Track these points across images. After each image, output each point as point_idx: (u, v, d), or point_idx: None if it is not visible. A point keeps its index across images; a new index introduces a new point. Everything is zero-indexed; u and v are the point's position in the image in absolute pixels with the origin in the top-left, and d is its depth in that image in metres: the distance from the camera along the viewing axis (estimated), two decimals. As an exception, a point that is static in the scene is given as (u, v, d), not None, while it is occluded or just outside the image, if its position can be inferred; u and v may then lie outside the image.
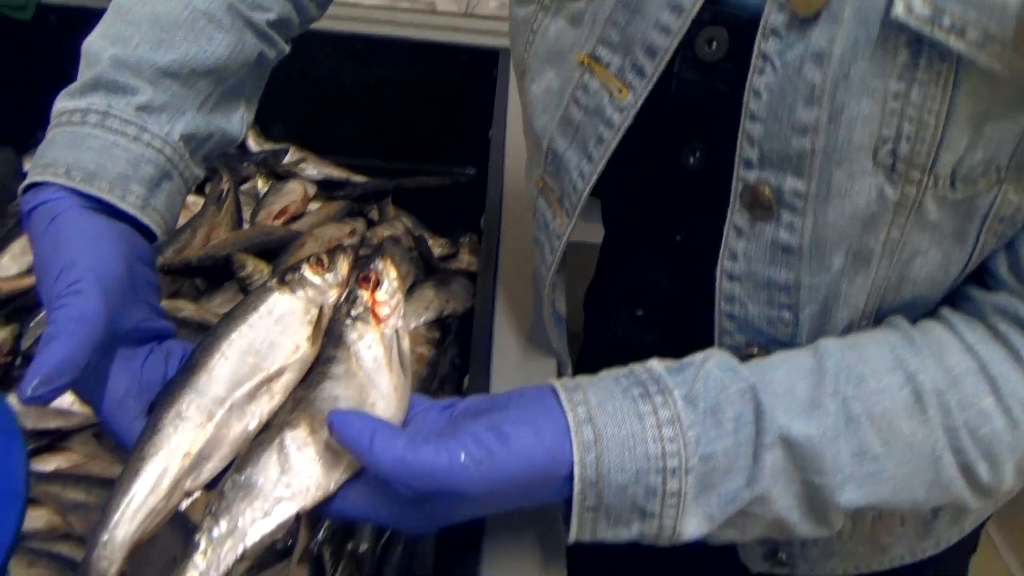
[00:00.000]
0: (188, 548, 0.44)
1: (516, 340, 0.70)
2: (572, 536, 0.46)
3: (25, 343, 0.76)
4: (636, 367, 0.49)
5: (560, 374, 0.68)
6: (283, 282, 0.52)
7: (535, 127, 0.58)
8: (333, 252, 0.53)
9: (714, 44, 0.49)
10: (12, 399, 0.66)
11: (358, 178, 1.12)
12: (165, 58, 0.55)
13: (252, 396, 0.48)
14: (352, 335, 0.49)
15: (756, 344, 0.54)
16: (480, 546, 0.54)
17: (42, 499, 0.66)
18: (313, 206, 1.02)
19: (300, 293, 0.51)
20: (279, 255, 0.86)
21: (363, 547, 0.65)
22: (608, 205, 0.61)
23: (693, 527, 0.46)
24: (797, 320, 0.52)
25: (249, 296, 0.52)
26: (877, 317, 0.52)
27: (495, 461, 0.43)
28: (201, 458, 0.46)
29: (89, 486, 0.66)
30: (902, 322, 0.51)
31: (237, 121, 0.62)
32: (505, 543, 0.55)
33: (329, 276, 0.52)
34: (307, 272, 0.52)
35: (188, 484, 0.46)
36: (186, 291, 0.85)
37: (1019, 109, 0.42)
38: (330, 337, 0.50)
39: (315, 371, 0.49)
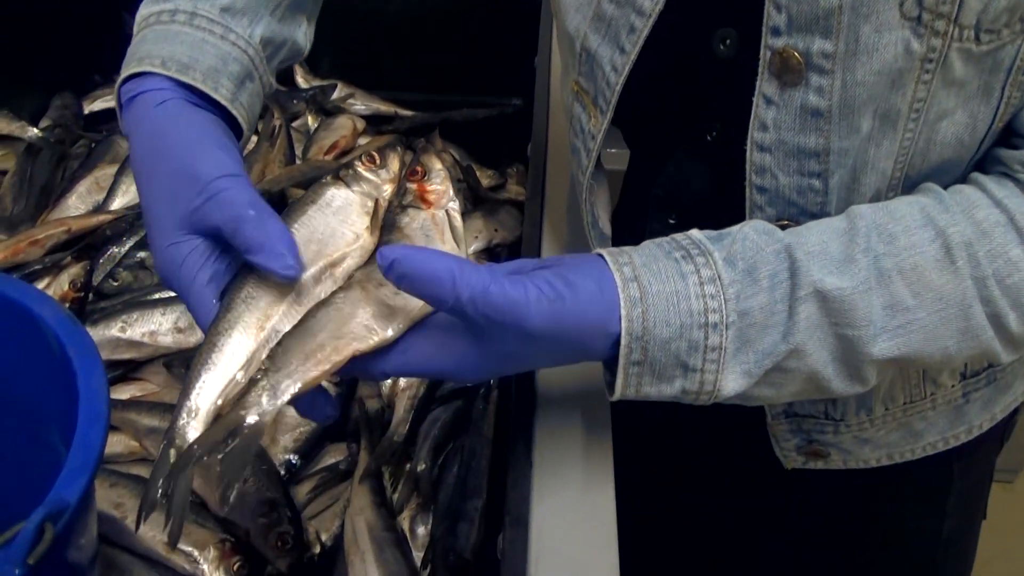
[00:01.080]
0: (247, 386, 0.46)
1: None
2: (617, 392, 0.48)
3: (97, 278, 0.79)
4: (677, 235, 0.50)
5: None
6: (338, 177, 0.54)
7: (569, 29, 0.59)
8: (384, 149, 0.55)
9: None
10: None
11: (405, 112, 1.12)
12: None
13: (317, 279, 0.50)
14: (404, 219, 0.51)
15: (786, 217, 0.55)
16: (532, 460, 0.56)
17: (120, 425, 0.70)
18: (362, 141, 1.04)
19: (356, 187, 0.53)
20: (331, 189, 0.88)
21: (421, 467, 0.68)
22: (633, 115, 0.61)
23: (733, 382, 0.48)
24: (827, 188, 0.52)
25: (307, 192, 0.54)
26: (906, 185, 0.52)
27: (565, 302, 0.45)
28: (274, 331, 0.48)
29: (163, 413, 0.70)
30: (932, 186, 0.52)
31: (302, 34, 0.64)
32: (555, 457, 0.57)
33: (382, 172, 0.54)
34: (360, 168, 0.54)
35: (263, 355, 0.48)
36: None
37: None
38: (386, 226, 0.52)
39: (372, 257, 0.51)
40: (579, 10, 0.58)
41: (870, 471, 0.67)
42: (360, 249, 0.52)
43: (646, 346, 0.47)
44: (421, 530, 0.66)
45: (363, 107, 1.13)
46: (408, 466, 0.69)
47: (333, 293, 0.49)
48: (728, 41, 0.53)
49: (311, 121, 1.07)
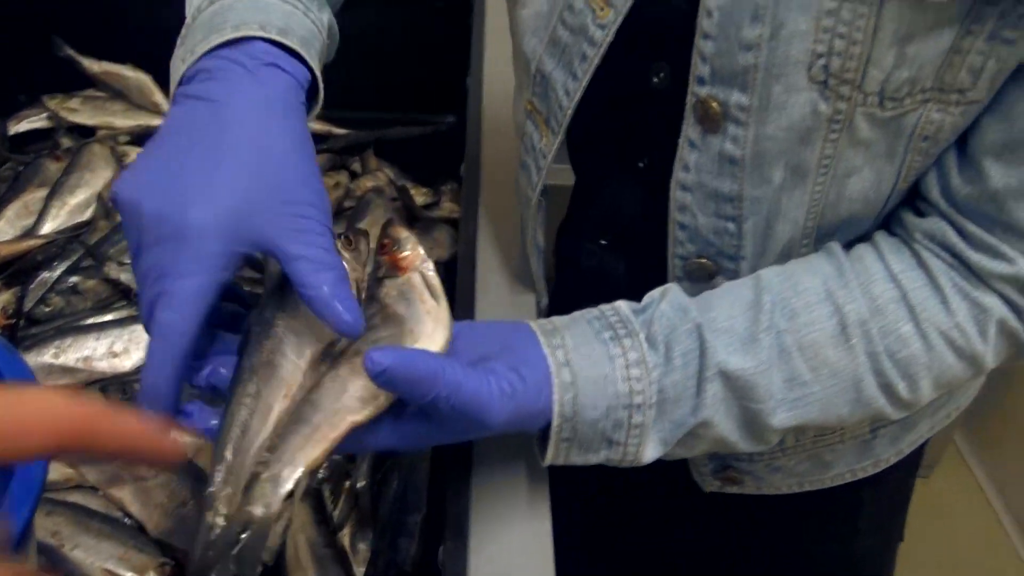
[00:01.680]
0: (250, 479, 0.46)
1: (499, 283, 0.74)
2: (547, 461, 0.52)
3: (28, 304, 0.79)
4: (606, 308, 0.54)
5: (538, 307, 0.72)
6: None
7: (525, 51, 0.61)
8: (355, 232, 0.56)
9: None
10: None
11: (339, 131, 1.13)
12: None
13: (317, 365, 0.50)
14: (382, 291, 0.53)
15: (705, 256, 0.58)
16: (470, 474, 0.58)
17: (55, 451, 0.69)
18: (297, 160, 1.04)
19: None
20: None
21: (361, 483, 0.69)
22: (577, 139, 0.64)
23: (651, 450, 0.52)
24: (741, 232, 0.55)
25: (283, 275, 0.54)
26: (818, 235, 0.56)
27: (518, 398, 0.49)
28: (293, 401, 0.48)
29: (99, 437, 0.69)
30: (837, 250, 0.55)
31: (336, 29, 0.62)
32: (493, 470, 0.59)
33: (356, 254, 0.55)
34: (340, 248, 0.54)
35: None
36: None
37: (939, 32, 0.45)
38: (366, 300, 0.53)
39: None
40: (535, 33, 0.60)
41: (783, 495, 0.71)
42: None
43: (575, 426, 0.51)
44: (362, 546, 0.67)
45: (297, 126, 1.13)
46: (348, 483, 0.70)
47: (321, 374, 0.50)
48: (663, 75, 0.56)
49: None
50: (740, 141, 0.52)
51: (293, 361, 0.50)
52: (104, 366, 0.75)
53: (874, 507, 0.74)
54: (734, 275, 0.59)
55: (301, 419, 0.47)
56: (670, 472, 0.58)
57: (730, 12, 0.48)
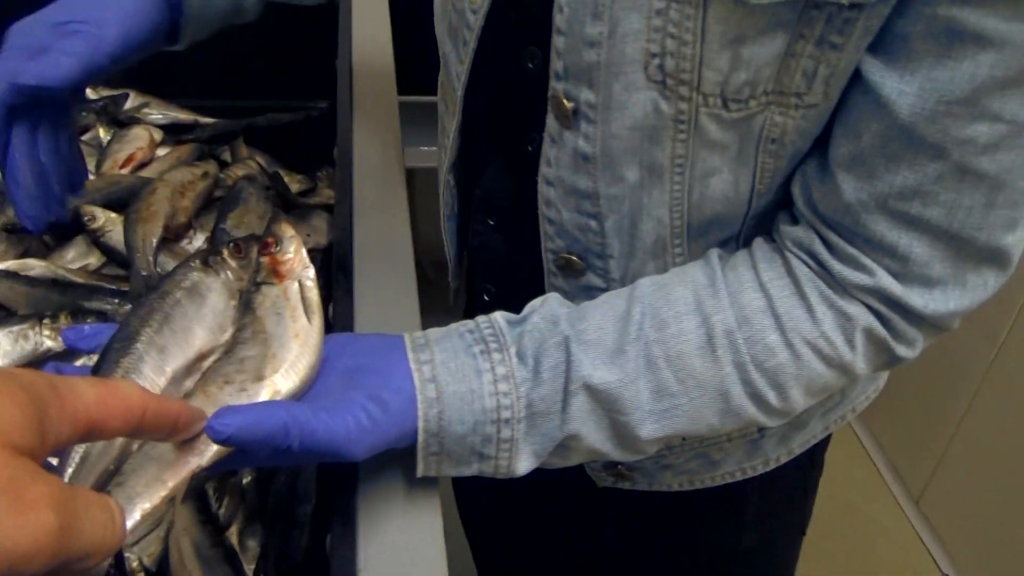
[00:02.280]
0: None
1: (378, 268, 0.73)
2: (420, 473, 0.53)
3: None
4: (482, 321, 0.54)
5: (450, 290, 0.72)
6: (206, 264, 0.54)
7: (437, 34, 0.62)
8: (247, 240, 0.56)
9: None
10: None
11: (207, 120, 1.09)
12: None
13: (188, 371, 0.50)
14: (257, 299, 0.52)
15: (572, 252, 0.59)
16: (357, 468, 0.57)
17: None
18: (162, 151, 1.00)
19: (223, 276, 0.54)
20: (130, 204, 0.85)
21: (246, 479, 0.67)
22: (470, 120, 0.64)
23: (524, 462, 0.53)
24: (603, 230, 0.56)
25: (175, 273, 0.54)
26: (689, 235, 0.56)
27: (379, 427, 0.49)
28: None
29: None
30: (714, 258, 0.56)
31: None
32: (380, 456, 0.58)
33: (245, 262, 0.55)
34: (227, 257, 0.55)
35: (134, 448, 0.47)
36: (35, 249, 0.82)
37: (772, 36, 0.46)
38: (243, 307, 0.52)
39: (231, 341, 0.52)
40: (441, 18, 0.61)
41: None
42: (227, 344, 0.52)
43: (442, 441, 0.51)
44: (251, 542, 0.65)
45: (160, 116, 1.08)
46: (232, 479, 0.68)
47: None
48: (536, 61, 0.56)
49: (103, 134, 1.02)
50: (591, 138, 0.53)
51: (151, 380, 0.48)
52: None
53: (760, 499, 0.74)
54: (604, 273, 0.59)
55: (143, 457, 0.45)
56: (564, 468, 0.58)
57: (576, 8, 0.49)
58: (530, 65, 0.56)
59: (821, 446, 0.75)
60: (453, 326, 0.54)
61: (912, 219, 0.49)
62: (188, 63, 1.17)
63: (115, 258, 0.82)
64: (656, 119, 0.50)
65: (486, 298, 0.72)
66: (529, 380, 0.52)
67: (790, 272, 0.53)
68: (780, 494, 0.76)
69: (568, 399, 0.52)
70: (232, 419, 0.43)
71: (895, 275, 0.51)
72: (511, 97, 0.60)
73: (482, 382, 0.51)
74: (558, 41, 0.51)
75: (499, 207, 0.68)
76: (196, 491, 0.66)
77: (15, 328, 0.72)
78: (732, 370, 0.52)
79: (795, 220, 0.55)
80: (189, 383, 0.50)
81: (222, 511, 0.66)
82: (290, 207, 0.91)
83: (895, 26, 0.45)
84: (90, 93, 1.11)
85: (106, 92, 1.11)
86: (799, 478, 0.77)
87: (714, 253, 0.56)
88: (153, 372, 0.48)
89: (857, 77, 0.48)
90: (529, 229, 0.62)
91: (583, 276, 0.61)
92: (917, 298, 0.50)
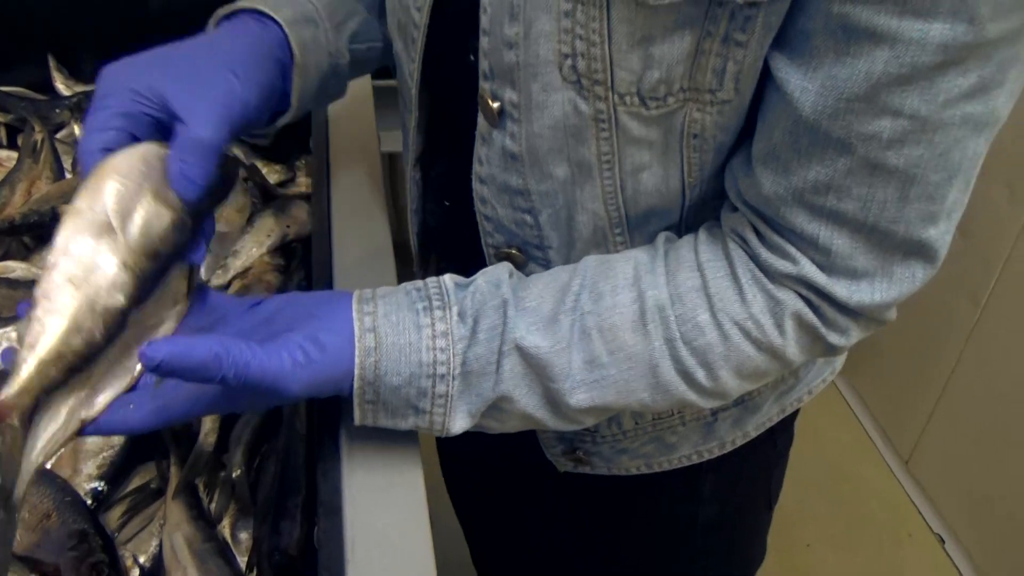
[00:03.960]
0: None
1: (356, 255, 0.73)
2: (356, 421, 0.54)
3: None
4: (430, 281, 0.55)
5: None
6: None
7: (389, 31, 0.62)
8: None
9: None
10: None
11: (182, 111, 1.08)
12: None
13: (139, 339, 0.50)
14: None
15: (512, 246, 0.60)
16: (339, 451, 0.58)
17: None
18: (138, 146, 0.99)
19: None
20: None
21: (236, 472, 0.68)
22: (426, 107, 0.64)
23: (460, 421, 0.54)
24: (538, 223, 0.57)
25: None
26: (630, 225, 0.56)
27: (316, 365, 0.50)
28: (95, 390, 0.49)
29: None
30: (660, 239, 0.56)
31: (376, 25, 0.69)
32: (365, 445, 0.59)
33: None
34: None
35: (83, 414, 0.48)
36: (15, 251, 0.82)
37: (680, 35, 0.46)
38: None
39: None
40: (391, 16, 0.61)
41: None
42: (176, 315, 0.52)
43: (378, 390, 0.52)
44: (243, 535, 0.66)
45: (135, 110, 1.07)
46: (223, 474, 0.68)
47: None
48: (474, 54, 0.56)
49: (78, 130, 1.01)
50: (517, 137, 0.53)
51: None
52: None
53: (716, 473, 0.75)
54: (546, 263, 0.60)
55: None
56: (526, 453, 0.59)
57: (496, 9, 0.49)
58: (472, 57, 0.56)
59: (781, 427, 0.76)
60: (404, 284, 0.55)
61: (828, 212, 0.49)
62: (164, 33, 1.17)
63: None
64: (576, 118, 0.51)
65: None
66: (466, 339, 0.52)
67: (727, 255, 0.53)
68: (738, 473, 0.77)
69: (501, 360, 0.52)
70: (163, 346, 0.45)
71: (820, 265, 0.51)
72: (455, 88, 0.60)
73: (421, 336, 0.52)
74: (483, 41, 0.51)
75: (453, 192, 0.68)
76: (187, 487, 0.66)
77: (-2, 331, 0.73)
78: (662, 345, 0.53)
79: (734, 207, 0.55)
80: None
81: (213, 506, 0.67)
82: (270, 197, 0.91)
83: (797, 23, 0.45)
84: (63, 89, 1.10)
85: (80, 88, 1.10)
86: (759, 458, 0.77)
87: (662, 236, 0.57)
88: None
89: (769, 73, 0.48)
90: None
91: (526, 267, 0.61)
92: (841, 289, 0.50)
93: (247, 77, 0.54)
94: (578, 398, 0.53)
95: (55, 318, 0.45)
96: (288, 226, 0.86)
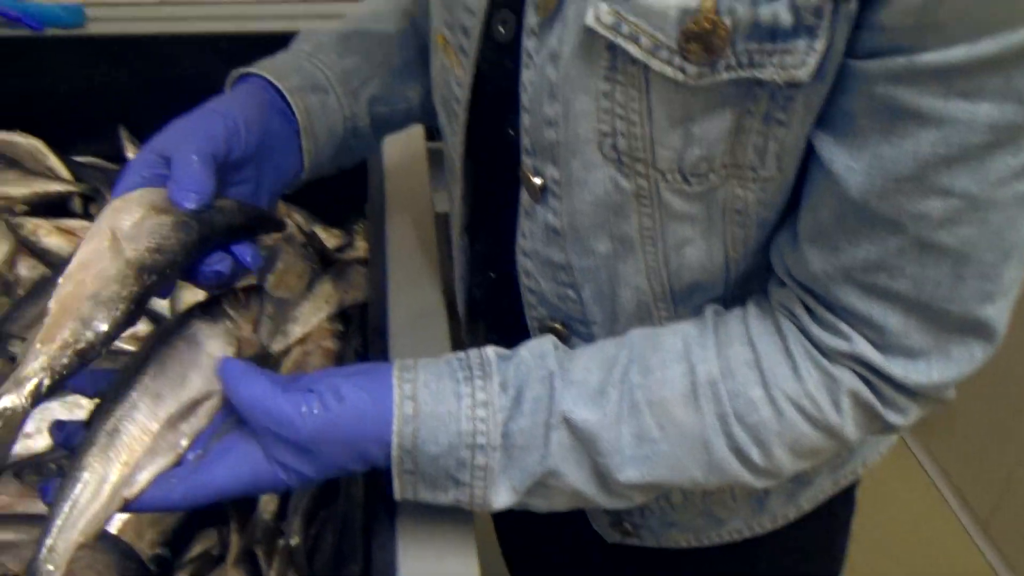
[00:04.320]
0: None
1: (411, 322, 0.73)
2: (397, 495, 0.53)
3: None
4: (472, 352, 0.54)
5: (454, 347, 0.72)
6: (206, 313, 0.55)
7: (435, 105, 0.64)
8: (247, 290, 0.58)
9: (505, 25, 0.53)
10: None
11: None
12: (347, 28, 0.71)
13: (183, 416, 0.52)
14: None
15: (556, 320, 0.60)
16: (395, 522, 0.58)
17: (-29, 545, 0.67)
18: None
19: (222, 325, 0.55)
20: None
21: (294, 541, 0.68)
22: (470, 181, 0.65)
23: (502, 496, 0.52)
24: (581, 298, 0.57)
25: (172, 321, 0.56)
26: (674, 299, 0.56)
27: (330, 415, 0.50)
28: (137, 468, 0.49)
29: (18, 525, 0.67)
30: (709, 312, 0.55)
31: (411, 92, 0.72)
32: (419, 519, 0.59)
33: (245, 312, 0.57)
34: (227, 307, 0.56)
35: (125, 492, 0.49)
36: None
37: (720, 113, 0.46)
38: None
39: None
40: (435, 91, 0.63)
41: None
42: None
43: (416, 459, 0.51)
44: (294, 542, 0.66)
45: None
46: (281, 541, 0.69)
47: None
48: (516, 129, 0.56)
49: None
50: (559, 213, 0.54)
51: (143, 425, 0.50)
52: (17, 448, 0.72)
53: (772, 556, 0.73)
54: (590, 339, 0.59)
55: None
56: (575, 521, 0.57)
57: (537, 88, 0.50)
58: (511, 132, 0.57)
59: (840, 498, 0.73)
60: (446, 355, 0.55)
61: (881, 291, 0.48)
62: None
63: (160, 322, 0.84)
64: (617, 195, 0.51)
65: None
66: (508, 409, 0.51)
67: (779, 330, 0.52)
68: (796, 545, 0.74)
69: (549, 433, 0.51)
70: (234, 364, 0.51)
71: (874, 344, 0.49)
72: (497, 162, 0.61)
73: (460, 406, 0.51)
74: (524, 118, 0.52)
75: (497, 264, 0.68)
76: (246, 554, 0.67)
77: (69, 399, 0.75)
78: (714, 421, 0.51)
79: (782, 282, 0.54)
80: (186, 427, 0.51)
81: (272, 573, 0.67)
82: (328, 263, 0.92)
83: (840, 103, 0.45)
84: (131, 157, 1.14)
85: (149, 157, 1.14)
86: (818, 529, 0.75)
87: (710, 308, 0.56)
88: (146, 418, 0.50)
89: (813, 151, 0.48)
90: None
91: (569, 342, 0.61)
92: (898, 368, 0.49)
93: (232, 112, 0.57)
94: (627, 474, 0.51)
95: (62, 312, 0.46)
96: (346, 292, 0.87)
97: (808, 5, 0.41)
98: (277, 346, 0.82)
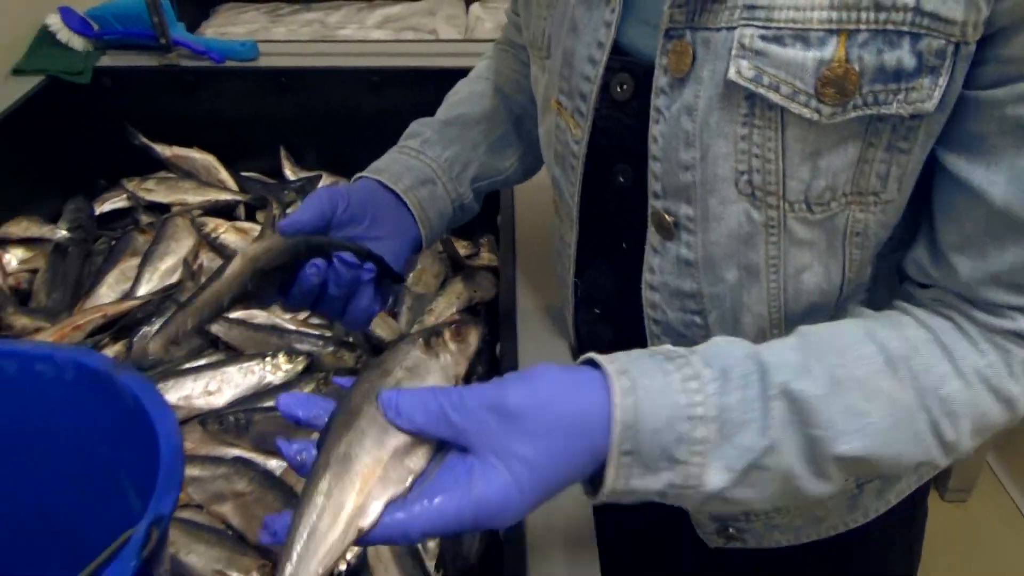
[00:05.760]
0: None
1: (536, 316, 0.85)
2: (608, 484, 0.49)
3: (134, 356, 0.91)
4: (652, 347, 0.55)
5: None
6: (428, 345, 0.55)
7: (544, 159, 0.73)
8: (467, 325, 0.57)
9: (623, 87, 0.60)
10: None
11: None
12: (448, 115, 0.82)
13: (408, 449, 0.49)
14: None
15: (680, 347, 0.63)
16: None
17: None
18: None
19: (443, 359, 0.55)
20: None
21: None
22: (581, 228, 0.72)
23: (716, 477, 0.49)
24: (707, 324, 0.63)
25: (395, 351, 0.55)
26: (787, 324, 0.61)
27: (537, 377, 0.50)
28: (371, 497, 0.47)
29: (203, 463, 0.81)
30: (861, 309, 0.59)
31: (506, 163, 0.83)
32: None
33: (464, 347, 0.56)
34: (448, 340, 0.55)
35: (361, 522, 0.46)
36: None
37: (845, 147, 0.52)
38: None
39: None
40: (547, 148, 0.71)
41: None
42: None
43: (637, 435, 0.48)
44: (431, 544, 0.77)
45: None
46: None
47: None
48: (624, 176, 0.64)
49: (303, 208, 1.20)
50: (693, 246, 0.59)
51: (372, 453, 0.48)
52: (201, 403, 0.87)
53: (862, 548, 0.77)
54: None
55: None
56: (680, 528, 0.60)
57: (670, 138, 0.56)
58: (621, 179, 0.64)
59: (919, 497, 0.78)
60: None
61: None
62: (368, 148, 1.36)
63: (318, 310, 0.99)
64: (749, 226, 0.56)
65: None
66: (718, 381, 0.50)
67: (945, 315, 0.55)
68: (881, 542, 0.78)
69: (768, 404, 0.50)
70: (395, 393, 0.50)
71: None
72: (606, 207, 0.67)
73: (670, 380, 0.50)
74: (655, 167, 0.58)
75: (602, 299, 0.75)
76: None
77: (244, 365, 0.89)
78: (913, 394, 0.52)
79: (921, 285, 0.57)
80: (412, 463, 0.49)
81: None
82: (459, 267, 1.05)
83: (970, 128, 0.50)
84: (290, 175, 1.31)
85: (303, 173, 1.31)
86: (900, 528, 0.80)
87: (857, 307, 0.59)
88: (375, 446, 0.48)
89: (943, 171, 0.53)
90: (629, 316, 0.68)
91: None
92: None
93: (342, 190, 0.70)
94: (843, 447, 0.50)
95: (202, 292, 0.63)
96: (475, 291, 1.00)
97: (931, 49, 0.46)
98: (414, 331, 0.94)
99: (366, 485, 0.47)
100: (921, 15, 0.46)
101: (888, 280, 0.62)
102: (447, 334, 0.55)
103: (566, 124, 0.65)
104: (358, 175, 0.76)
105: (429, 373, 0.53)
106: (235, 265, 0.63)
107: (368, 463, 0.48)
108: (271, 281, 0.65)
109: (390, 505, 0.47)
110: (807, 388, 0.50)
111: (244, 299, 0.64)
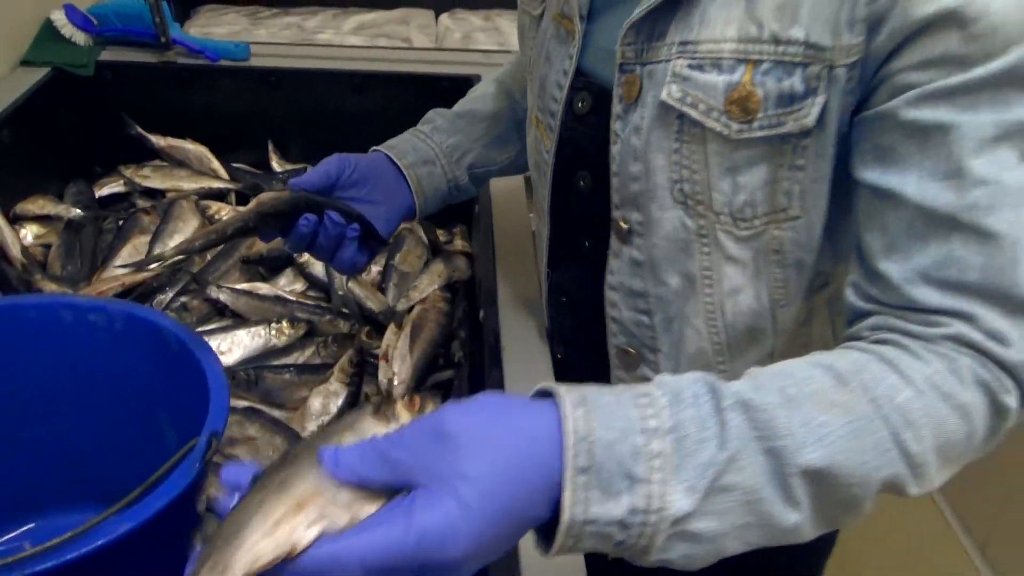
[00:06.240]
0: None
1: (513, 293, 0.98)
2: (566, 513, 0.44)
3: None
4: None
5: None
6: (379, 412, 0.52)
7: (529, 166, 0.85)
8: (424, 396, 0.54)
9: (583, 103, 0.71)
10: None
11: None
12: (460, 108, 0.95)
13: (353, 502, 0.46)
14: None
15: (631, 346, 0.74)
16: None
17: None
18: (336, 210, 1.29)
19: (393, 426, 0.51)
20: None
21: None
22: (553, 226, 0.81)
23: (679, 499, 0.45)
24: (653, 324, 0.71)
25: (345, 419, 0.52)
26: (730, 352, 0.67)
27: (478, 403, 0.47)
28: (307, 518, 0.45)
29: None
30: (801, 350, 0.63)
31: (502, 156, 0.95)
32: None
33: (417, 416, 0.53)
34: (401, 408, 0.52)
35: (293, 537, 0.44)
36: (256, 277, 1.12)
37: (759, 165, 0.59)
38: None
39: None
40: (531, 155, 0.82)
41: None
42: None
43: (592, 447, 0.45)
44: None
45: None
46: None
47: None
48: (584, 181, 0.73)
49: (293, 197, 1.32)
50: (641, 248, 0.68)
51: (312, 484, 0.46)
52: (213, 363, 0.98)
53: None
54: (655, 366, 0.73)
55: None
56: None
57: (624, 155, 0.66)
58: (582, 184, 0.74)
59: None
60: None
61: (956, 285, 0.53)
62: (350, 144, 1.47)
63: (315, 284, 1.11)
64: (684, 232, 0.64)
65: (559, 356, 0.88)
66: (668, 397, 0.48)
67: (883, 340, 0.55)
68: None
69: (723, 416, 0.47)
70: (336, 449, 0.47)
71: (969, 327, 0.53)
72: (570, 209, 0.77)
73: (622, 399, 0.48)
74: (614, 180, 0.67)
75: (569, 290, 0.84)
76: None
77: (251, 329, 1.00)
78: (868, 405, 0.50)
79: (861, 318, 0.58)
80: (356, 512, 0.45)
81: None
82: (438, 251, 1.18)
83: (878, 142, 0.55)
84: (276, 166, 1.41)
85: (288, 166, 1.41)
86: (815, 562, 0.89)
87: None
88: (315, 482, 0.46)
89: (863, 188, 0.57)
90: (590, 309, 0.76)
91: (638, 368, 0.74)
92: (995, 347, 0.52)
93: (352, 157, 0.83)
94: (808, 456, 0.47)
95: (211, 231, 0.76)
96: (453, 271, 1.13)
97: (812, 74, 0.55)
98: (402, 306, 1.07)
99: (303, 506, 0.45)
100: (808, 47, 0.55)
101: (824, 322, 0.68)
102: (399, 403, 0.52)
103: (541, 136, 0.78)
104: (373, 148, 0.89)
105: (371, 428, 0.50)
106: (247, 207, 0.77)
107: (308, 488, 0.45)
108: (272, 224, 0.78)
109: (325, 535, 0.44)
110: (761, 397, 0.48)
111: (249, 232, 0.79)
